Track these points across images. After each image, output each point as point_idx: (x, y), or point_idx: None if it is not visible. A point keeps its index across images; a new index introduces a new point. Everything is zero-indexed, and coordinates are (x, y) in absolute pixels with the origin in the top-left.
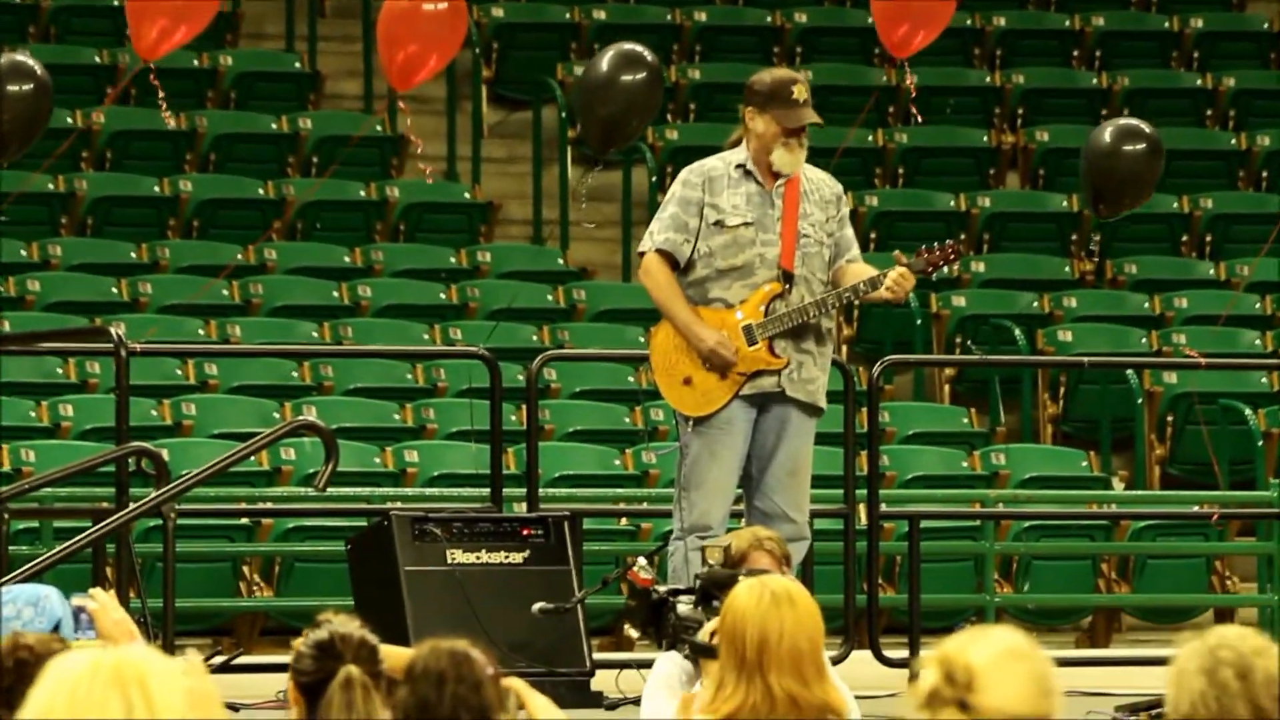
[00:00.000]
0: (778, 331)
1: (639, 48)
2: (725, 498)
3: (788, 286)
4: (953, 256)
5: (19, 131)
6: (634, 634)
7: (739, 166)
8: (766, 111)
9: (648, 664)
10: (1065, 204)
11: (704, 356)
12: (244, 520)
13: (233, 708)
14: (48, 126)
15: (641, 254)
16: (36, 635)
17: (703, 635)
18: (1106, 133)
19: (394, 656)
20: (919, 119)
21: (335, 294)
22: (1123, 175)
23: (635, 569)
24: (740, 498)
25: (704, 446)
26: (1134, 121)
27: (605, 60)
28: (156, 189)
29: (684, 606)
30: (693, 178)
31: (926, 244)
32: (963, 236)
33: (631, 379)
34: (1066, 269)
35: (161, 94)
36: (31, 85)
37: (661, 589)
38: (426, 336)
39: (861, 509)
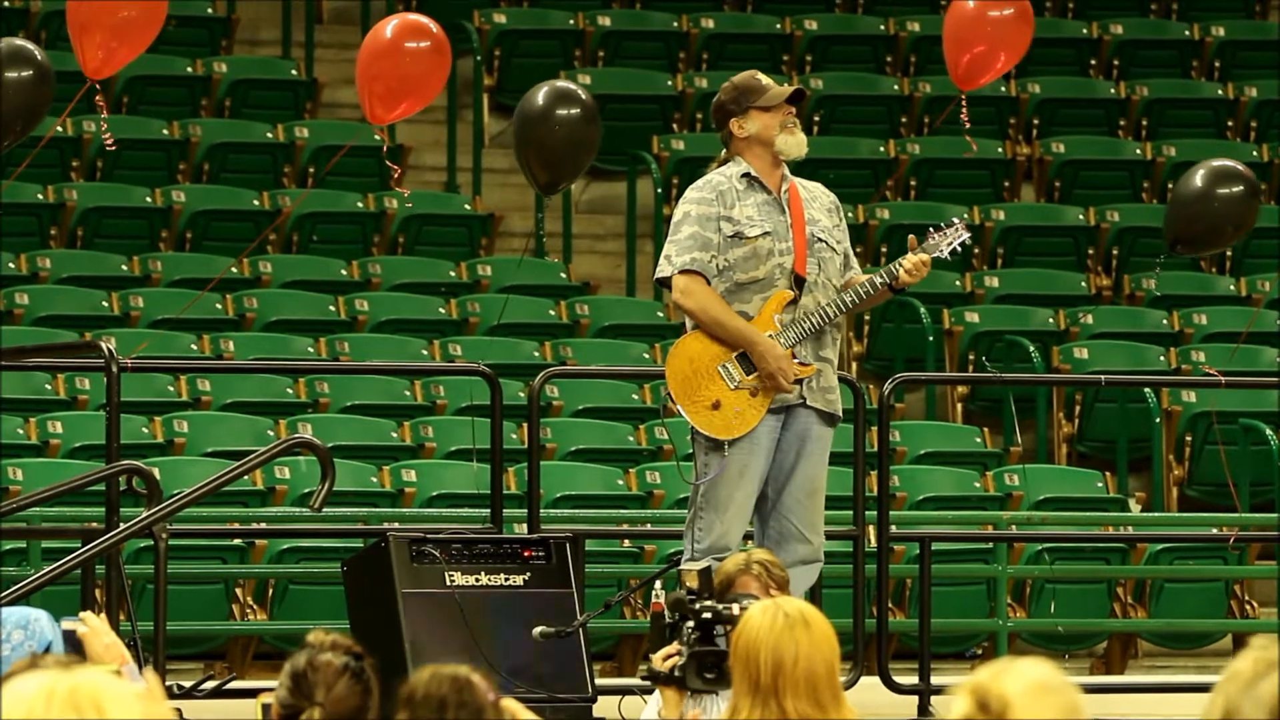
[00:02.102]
0: (799, 339)
1: (572, 85)
2: (745, 518)
3: (797, 293)
4: (964, 232)
5: (20, 119)
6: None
7: (744, 176)
8: (749, 110)
9: (651, 690)
10: (1081, 217)
11: (767, 374)
12: (237, 541)
13: None
14: (41, 125)
15: (662, 279)
16: (56, 658)
17: (655, 660)
18: (1198, 176)
19: None
20: (966, 124)
21: (332, 308)
22: (1215, 220)
23: (655, 598)
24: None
25: (729, 466)
26: (1229, 163)
27: (540, 96)
28: (149, 199)
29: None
30: (704, 194)
31: (934, 225)
32: (961, 218)
33: (636, 396)
34: (1083, 284)
35: (104, 115)
36: (31, 71)
37: (671, 615)
38: (425, 352)
39: (871, 530)
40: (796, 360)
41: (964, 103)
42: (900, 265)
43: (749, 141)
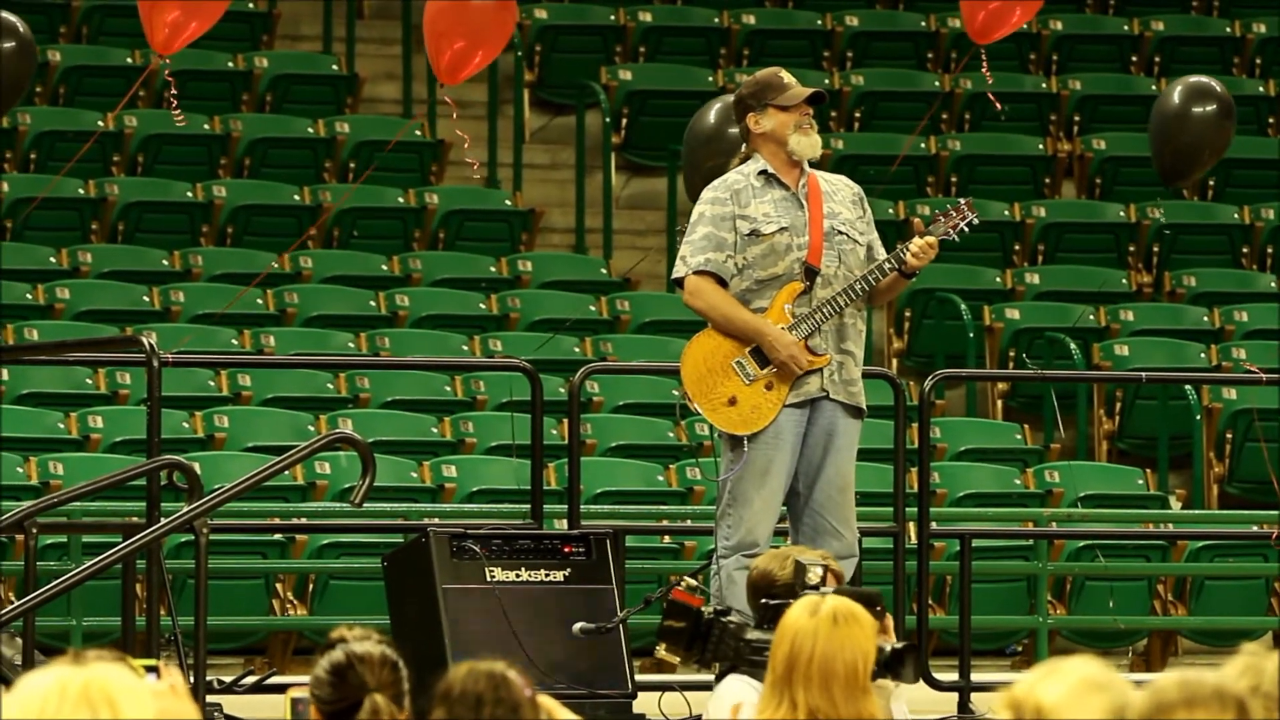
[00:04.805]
0: (811, 330)
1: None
2: (773, 514)
3: (809, 284)
4: (970, 213)
5: (3, 91)
6: (673, 657)
7: (760, 174)
8: (767, 107)
9: (691, 686)
10: (1123, 214)
11: (779, 364)
12: (278, 536)
13: None
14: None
15: (678, 280)
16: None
17: None
18: (1176, 93)
19: None
20: (1000, 110)
21: (372, 303)
22: (1192, 140)
23: (681, 587)
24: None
25: (753, 462)
26: (1206, 80)
27: (713, 112)
28: (189, 194)
29: (753, 632)
30: (719, 194)
31: (940, 209)
32: (967, 198)
33: (676, 392)
34: (1124, 280)
35: (173, 93)
36: (14, 43)
37: (709, 609)
38: (466, 348)
39: (911, 527)
40: (809, 351)
41: (984, 56)
42: (907, 249)
43: (764, 138)
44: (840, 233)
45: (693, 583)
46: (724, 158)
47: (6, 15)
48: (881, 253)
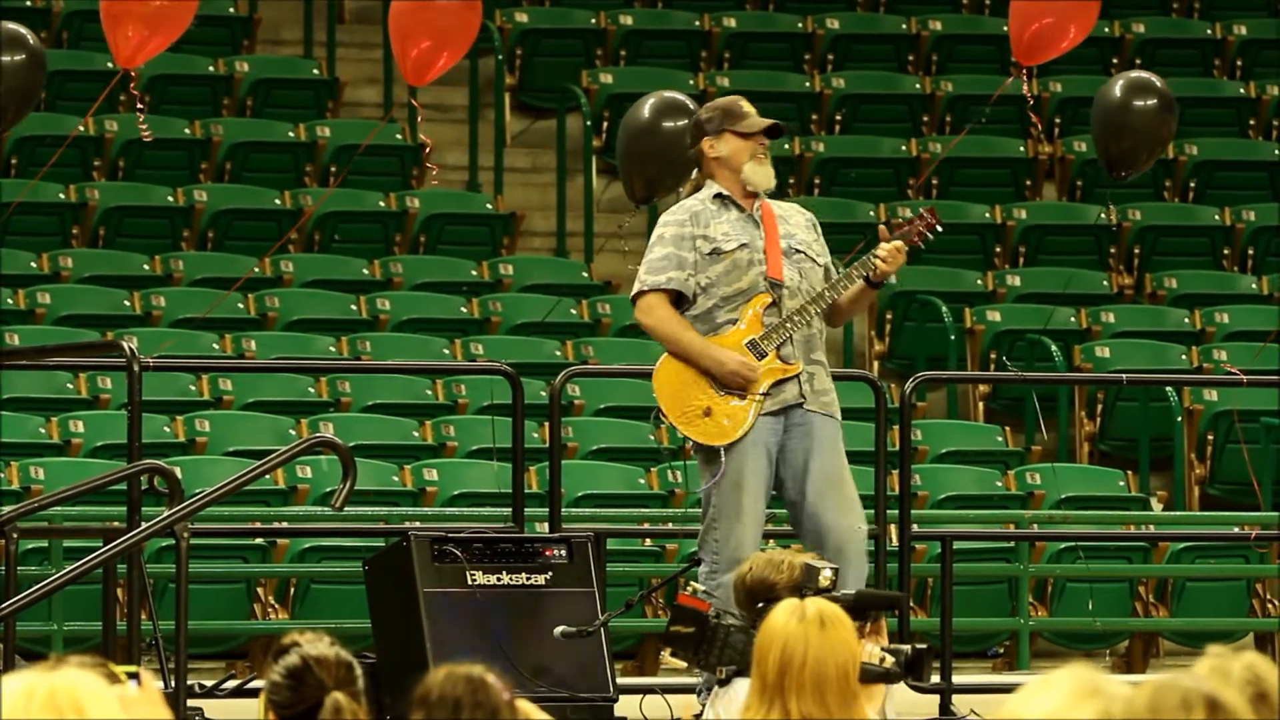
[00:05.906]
0: (782, 339)
1: (680, 96)
2: (759, 522)
3: (777, 295)
4: (933, 220)
5: (14, 103)
6: (679, 662)
7: (716, 197)
8: (724, 132)
9: (673, 689)
10: (1103, 216)
11: (726, 379)
12: (259, 540)
13: None
14: (65, 124)
15: (633, 297)
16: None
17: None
18: (1117, 87)
19: None
20: (1038, 126)
21: (353, 307)
22: (1136, 135)
23: (687, 593)
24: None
25: (731, 473)
26: (1145, 75)
27: (647, 108)
28: (170, 199)
29: None
30: (678, 215)
31: (904, 217)
32: (928, 207)
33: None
34: (1104, 283)
35: (140, 107)
36: (24, 55)
37: (713, 614)
38: (447, 351)
39: (892, 529)
40: (781, 360)
41: (1025, 75)
42: (875, 255)
43: (719, 163)
44: (798, 251)
45: (699, 587)
46: (661, 159)
47: (16, 27)
48: (836, 275)
